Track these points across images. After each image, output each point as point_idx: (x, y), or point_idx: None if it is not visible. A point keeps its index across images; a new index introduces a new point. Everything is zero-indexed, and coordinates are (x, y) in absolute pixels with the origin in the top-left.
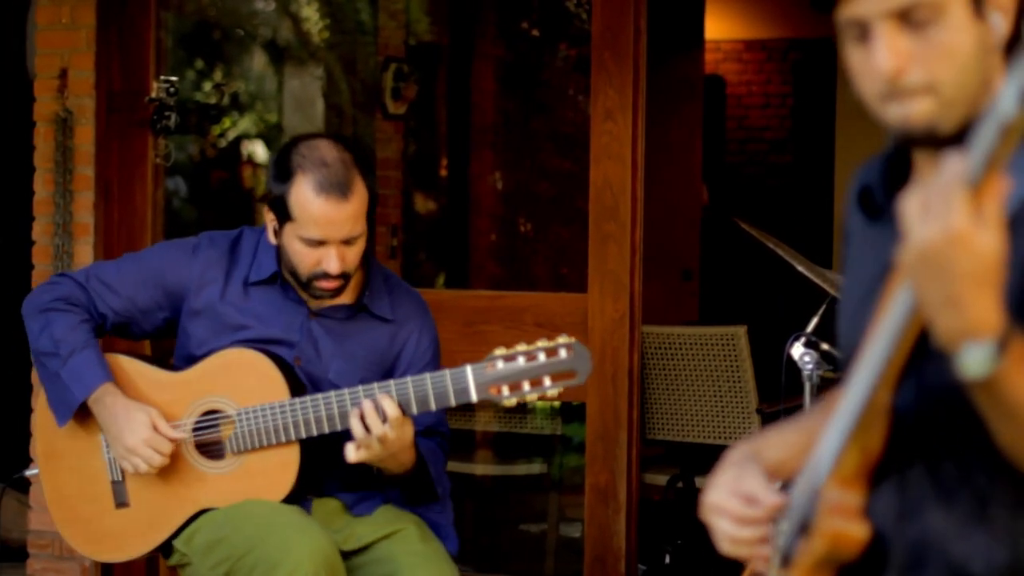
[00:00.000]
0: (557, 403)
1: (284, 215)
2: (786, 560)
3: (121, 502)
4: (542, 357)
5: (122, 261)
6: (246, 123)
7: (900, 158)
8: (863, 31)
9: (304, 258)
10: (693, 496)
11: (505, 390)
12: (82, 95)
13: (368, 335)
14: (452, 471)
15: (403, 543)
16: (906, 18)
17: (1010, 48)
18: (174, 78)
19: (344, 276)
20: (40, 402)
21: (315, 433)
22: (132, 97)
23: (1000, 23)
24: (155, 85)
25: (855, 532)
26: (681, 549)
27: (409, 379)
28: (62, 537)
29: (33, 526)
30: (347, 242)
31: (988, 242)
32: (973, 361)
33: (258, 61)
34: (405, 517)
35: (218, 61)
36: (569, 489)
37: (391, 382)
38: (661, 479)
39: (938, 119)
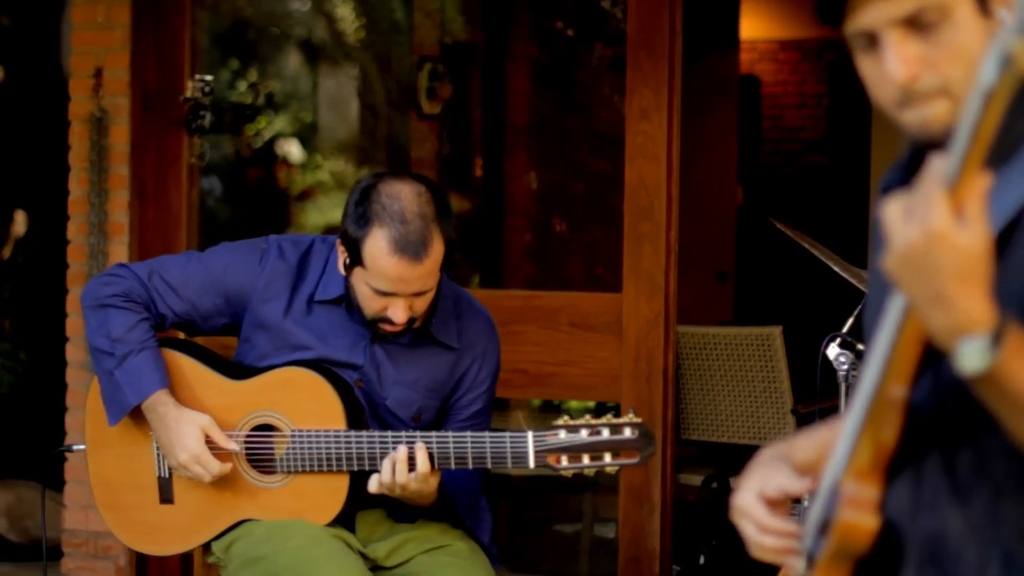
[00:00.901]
0: (592, 404)
1: (356, 259)
2: (811, 561)
3: (166, 499)
4: (606, 433)
5: (187, 261)
6: (281, 122)
7: (919, 161)
8: (872, 40)
9: (370, 303)
10: (728, 496)
11: (564, 460)
12: (117, 94)
13: (430, 362)
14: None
15: (446, 556)
16: (913, 23)
17: None
18: (209, 77)
19: (410, 323)
20: (94, 385)
21: (366, 468)
22: (167, 96)
23: (1007, 17)
24: (190, 84)
25: (865, 523)
26: (716, 550)
27: (468, 435)
28: (100, 517)
29: (67, 525)
30: (415, 297)
31: (969, 238)
32: (969, 357)
33: (293, 60)
34: (448, 529)
35: (253, 60)
36: (604, 489)
37: (450, 434)
38: (696, 479)
39: (955, 121)
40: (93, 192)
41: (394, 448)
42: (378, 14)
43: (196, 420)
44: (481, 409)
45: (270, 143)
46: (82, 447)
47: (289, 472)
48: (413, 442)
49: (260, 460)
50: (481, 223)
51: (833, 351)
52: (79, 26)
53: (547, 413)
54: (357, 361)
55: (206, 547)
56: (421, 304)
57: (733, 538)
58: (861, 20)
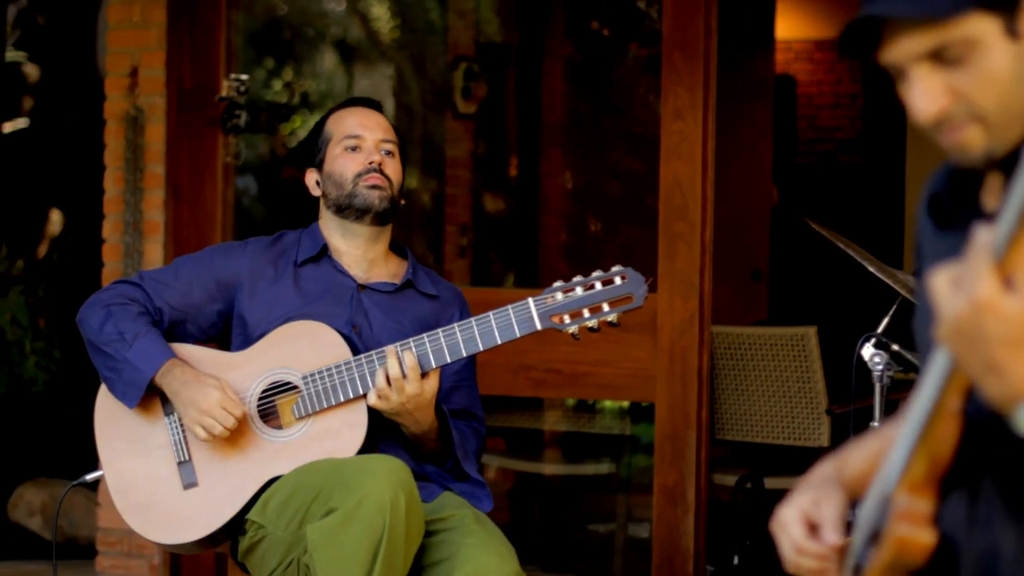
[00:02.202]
0: (626, 403)
1: (323, 147)
2: (857, 571)
3: (189, 483)
4: (599, 285)
5: (176, 263)
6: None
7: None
8: (902, 71)
9: (347, 162)
10: (762, 497)
11: (567, 318)
12: (152, 93)
13: (415, 308)
14: (521, 471)
15: (460, 530)
16: (939, 57)
17: None
18: (244, 77)
19: (388, 181)
20: (99, 398)
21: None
22: (202, 95)
23: None
24: (225, 84)
25: (922, 538)
26: (750, 550)
27: (473, 319)
28: (130, 528)
29: (102, 523)
30: (383, 147)
31: (1018, 306)
32: None
33: (328, 60)
34: (463, 504)
35: (288, 60)
36: (637, 489)
37: (455, 325)
38: (730, 480)
39: (992, 144)
40: (128, 191)
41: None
42: (413, 14)
43: (212, 378)
44: (468, 362)
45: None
46: (99, 474)
47: (305, 418)
48: (436, 339)
49: (275, 417)
50: (516, 223)
51: (868, 351)
52: (115, 25)
53: (580, 412)
54: (347, 310)
55: (239, 528)
56: (392, 166)
57: (767, 539)
58: (887, 56)
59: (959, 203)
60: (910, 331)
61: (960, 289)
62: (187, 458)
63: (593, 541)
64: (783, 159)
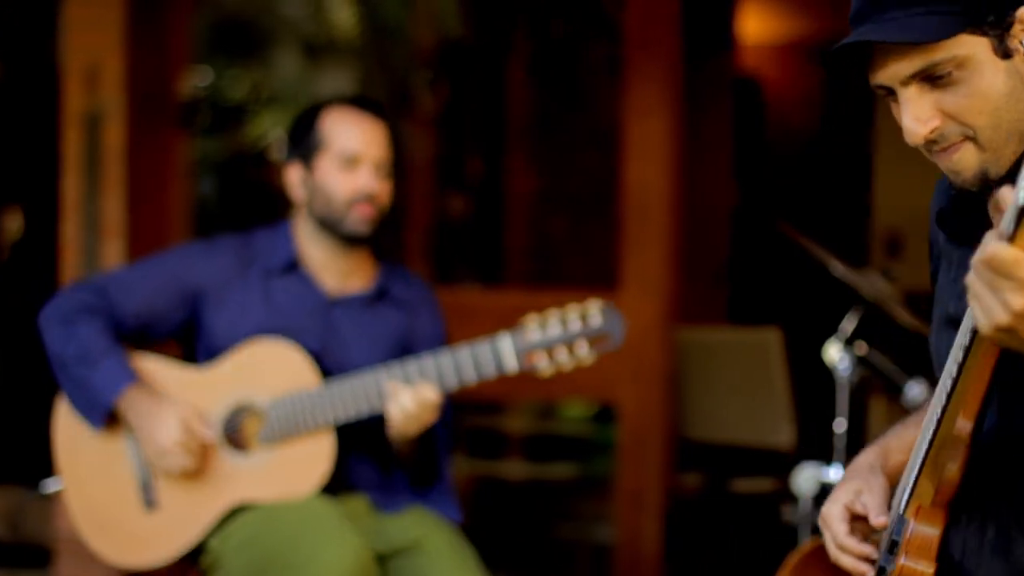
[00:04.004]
0: (591, 406)
1: (314, 148)
2: (882, 572)
3: (150, 503)
4: (576, 322)
5: (139, 267)
6: (279, 123)
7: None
8: (892, 92)
9: (340, 183)
10: (726, 499)
11: (543, 358)
12: (113, 93)
13: (387, 320)
14: (484, 473)
15: (433, 552)
16: (928, 77)
17: None
18: (206, 77)
19: (379, 209)
20: (60, 414)
21: (353, 415)
22: (163, 95)
23: None
24: (186, 84)
25: (924, 572)
26: (713, 552)
27: (449, 352)
28: (91, 549)
29: (61, 529)
30: (379, 169)
31: None
32: None
33: (291, 61)
34: (432, 522)
35: (251, 60)
36: (602, 491)
37: (430, 357)
38: (695, 480)
39: (985, 164)
40: (88, 191)
41: (378, 385)
42: (376, 14)
43: (174, 406)
44: None
45: (268, 144)
46: (58, 486)
47: (271, 445)
48: (405, 372)
49: (240, 442)
50: (480, 223)
51: (833, 353)
52: (75, 24)
53: (546, 417)
54: (318, 325)
55: (200, 550)
56: (385, 188)
57: (731, 539)
58: (876, 77)
59: (961, 217)
60: (874, 332)
61: (987, 302)
62: (149, 478)
63: (557, 544)
64: (748, 160)
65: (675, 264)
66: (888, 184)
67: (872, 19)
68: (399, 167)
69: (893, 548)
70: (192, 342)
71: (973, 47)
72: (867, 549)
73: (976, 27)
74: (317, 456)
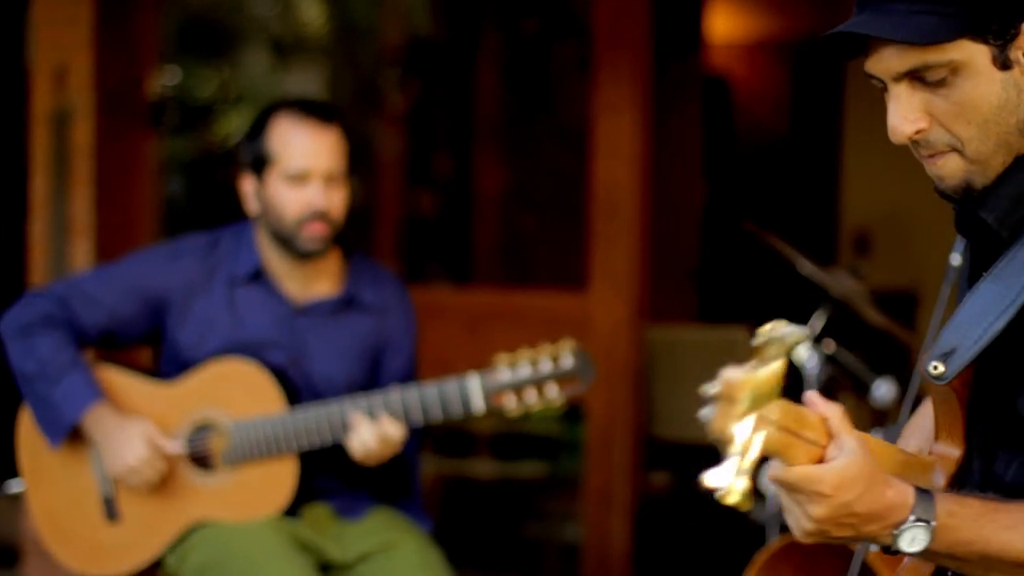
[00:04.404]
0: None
1: (263, 161)
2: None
3: (112, 516)
4: (547, 364)
5: (101, 273)
6: (246, 122)
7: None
8: (884, 85)
9: (289, 201)
10: (694, 497)
11: (511, 399)
12: (81, 91)
13: (355, 329)
14: (452, 473)
15: (402, 557)
16: (920, 77)
17: None
18: (174, 76)
19: (331, 223)
20: (24, 421)
21: (316, 444)
22: (132, 94)
23: None
24: (155, 82)
25: None
26: (682, 550)
27: (416, 389)
28: (52, 555)
29: (30, 530)
30: (330, 181)
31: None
32: (908, 542)
33: (260, 59)
34: (398, 525)
35: (219, 58)
36: (570, 490)
37: (397, 393)
38: (664, 478)
39: (970, 175)
40: (55, 191)
41: (342, 416)
42: (345, 12)
43: (139, 424)
44: (410, 372)
45: (236, 143)
46: (20, 487)
47: (234, 466)
48: (371, 406)
49: (203, 459)
50: (449, 221)
51: (801, 352)
52: (43, 22)
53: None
54: (283, 337)
55: (157, 564)
56: (338, 199)
57: (700, 538)
58: (870, 66)
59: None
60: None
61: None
62: (112, 490)
63: (526, 543)
64: (717, 158)
65: (644, 262)
66: (856, 183)
67: (875, 7)
68: (367, 165)
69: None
70: (159, 343)
71: (971, 54)
72: None
73: (978, 34)
74: (279, 480)
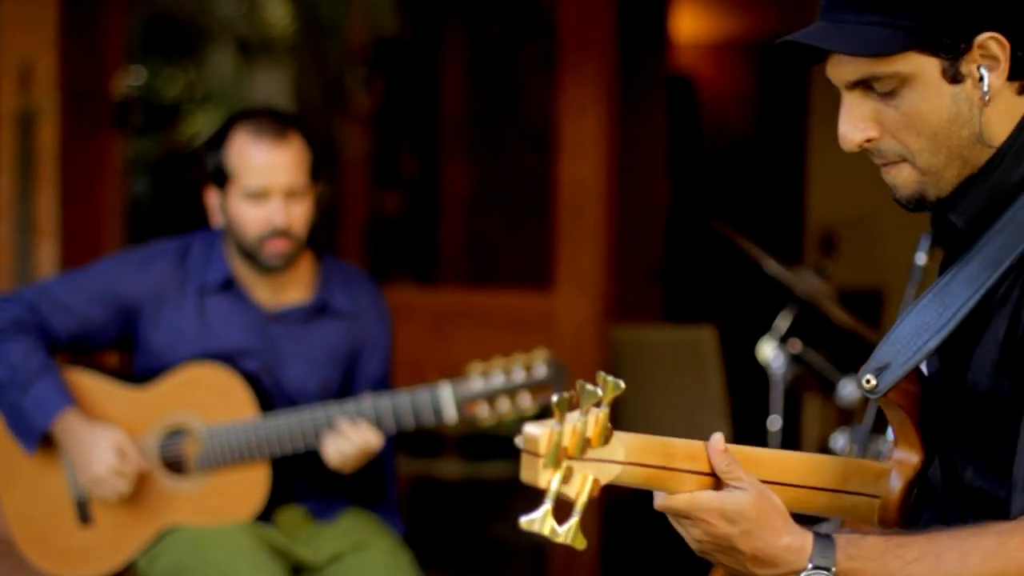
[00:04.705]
0: None
1: (224, 177)
2: None
3: (85, 519)
4: (520, 373)
5: (72, 278)
6: (214, 122)
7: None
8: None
9: (250, 219)
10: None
11: (484, 408)
12: (46, 92)
13: (328, 335)
14: (421, 473)
15: (372, 557)
16: (871, 87)
17: None
18: (140, 76)
19: (293, 238)
20: None
21: (289, 451)
22: (97, 94)
23: (991, 75)
24: (121, 82)
25: None
26: (649, 550)
27: (388, 398)
28: (24, 557)
29: (2, 532)
30: (291, 196)
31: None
32: None
33: (226, 59)
34: (369, 526)
35: (186, 59)
36: (537, 491)
37: (369, 401)
38: None
39: (922, 186)
40: (21, 192)
41: (320, 425)
42: (312, 12)
43: (109, 433)
44: (385, 376)
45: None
46: None
47: (207, 471)
48: (346, 413)
49: (176, 464)
50: (415, 221)
51: (767, 351)
52: (7, 23)
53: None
54: (255, 344)
55: (131, 567)
56: (299, 215)
57: (665, 538)
58: (828, 74)
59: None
60: (807, 330)
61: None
62: (85, 494)
63: (493, 543)
64: (682, 158)
65: (610, 262)
66: (822, 183)
67: (830, 16)
68: (333, 165)
69: None
70: (130, 346)
71: (921, 66)
72: None
73: (928, 47)
74: (252, 486)
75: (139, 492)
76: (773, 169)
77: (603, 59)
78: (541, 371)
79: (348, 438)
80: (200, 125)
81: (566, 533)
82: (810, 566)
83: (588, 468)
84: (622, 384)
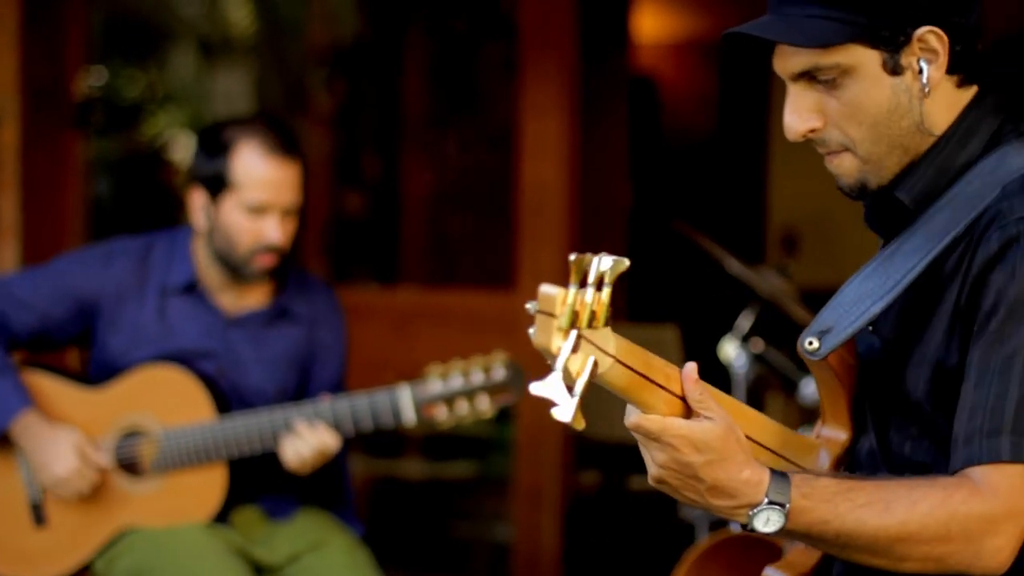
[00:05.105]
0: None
1: (221, 184)
2: None
3: (40, 521)
4: (478, 375)
5: (32, 275)
6: (175, 122)
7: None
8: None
9: (244, 231)
10: (623, 496)
11: (442, 410)
12: (7, 92)
13: (286, 339)
14: (382, 473)
15: (331, 556)
16: (814, 78)
17: (972, 69)
18: (101, 76)
19: (281, 254)
20: None
21: (246, 453)
22: (58, 95)
23: (930, 68)
24: (82, 83)
25: None
26: (612, 549)
27: (346, 399)
28: None
29: None
30: (287, 214)
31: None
32: (763, 523)
33: (188, 60)
34: (326, 525)
35: (146, 59)
36: (500, 490)
37: (327, 403)
38: (593, 477)
39: (864, 175)
40: None
41: (277, 427)
42: (272, 13)
43: (68, 435)
44: (340, 381)
45: (164, 143)
46: None
47: (163, 473)
48: (304, 414)
49: (132, 465)
50: (376, 222)
51: (729, 350)
52: None
53: None
54: (214, 347)
55: (87, 568)
56: (289, 228)
57: (630, 537)
58: (774, 66)
59: (883, 217)
60: (769, 329)
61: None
62: (40, 495)
63: (456, 543)
64: (643, 159)
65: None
66: (783, 182)
67: (777, 9)
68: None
69: None
70: (88, 343)
71: (861, 58)
72: None
73: (868, 40)
74: (209, 487)
75: (95, 493)
76: (734, 169)
77: (564, 59)
78: (499, 373)
79: (305, 440)
80: (161, 125)
81: (571, 408)
82: (766, 500)
83: (589, 350)
84: (626, 262)
